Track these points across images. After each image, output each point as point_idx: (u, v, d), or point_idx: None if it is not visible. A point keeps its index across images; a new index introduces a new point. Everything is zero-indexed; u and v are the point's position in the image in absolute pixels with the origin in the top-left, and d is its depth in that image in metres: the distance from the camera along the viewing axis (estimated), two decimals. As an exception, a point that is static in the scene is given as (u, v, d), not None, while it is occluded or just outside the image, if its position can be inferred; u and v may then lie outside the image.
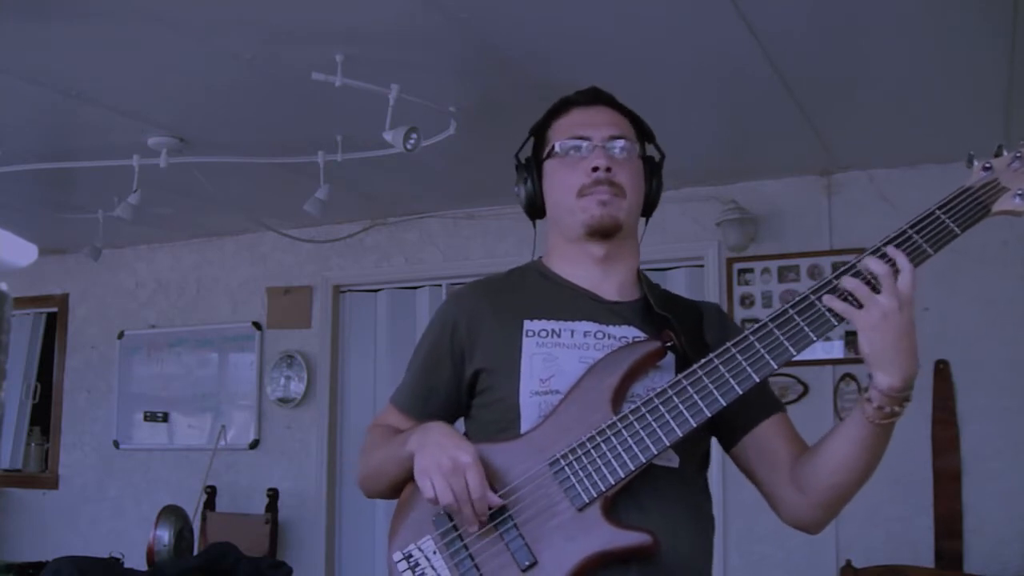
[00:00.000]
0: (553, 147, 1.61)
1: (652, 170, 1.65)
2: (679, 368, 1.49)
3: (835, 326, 1.37)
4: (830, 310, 1.35)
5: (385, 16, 2.60)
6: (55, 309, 5.84)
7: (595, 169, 1.55)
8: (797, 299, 1.39)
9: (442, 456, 1.40)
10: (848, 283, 1.33)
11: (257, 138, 3.61)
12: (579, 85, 1.71)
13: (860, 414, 1.37)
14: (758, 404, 1.51)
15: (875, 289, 1.32)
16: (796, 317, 1.37)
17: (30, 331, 5.99)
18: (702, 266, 4.26)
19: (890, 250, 1.34)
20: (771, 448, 1.53)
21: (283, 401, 5.02)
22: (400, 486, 1.53)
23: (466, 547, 1.42)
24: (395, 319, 4.91)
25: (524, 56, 2.87)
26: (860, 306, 1.33)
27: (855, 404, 1.39)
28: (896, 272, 1.32)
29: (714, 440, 1.60)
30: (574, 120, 1.62)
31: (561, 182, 1.59)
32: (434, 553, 1.44)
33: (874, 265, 1.33)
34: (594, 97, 1.65)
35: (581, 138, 1.59)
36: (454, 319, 1.61)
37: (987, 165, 1.38)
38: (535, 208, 1.66)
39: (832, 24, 2.65)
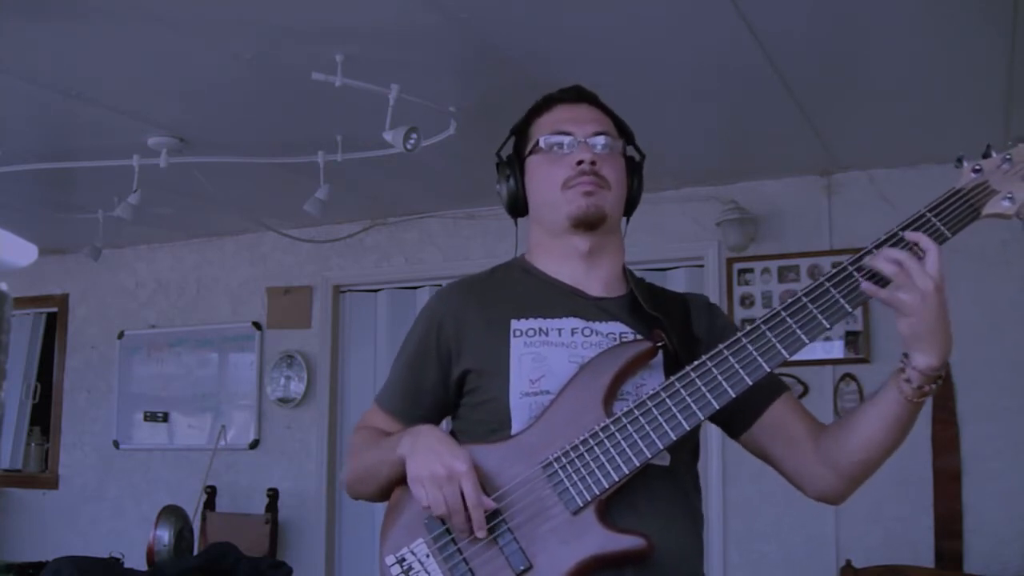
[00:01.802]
0: (537, 143, 1.60)
1: (633, 169, 1.65)
2: (668, 366, 1.50)
3: (828, 328, 1.37)
4: (830, 306, 1.35)
5: (385, 16, 2.60)
6: (55, 309, 5.83)
7: (580, 163, 1.55)
8: (789, 301, 1.39)
9: (436, 463, 1.39)
10: (883, 266, 1.32)
11: (257, 138, 3.61)
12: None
13: (896, 393, 1.37)
14: (764, 388, 1.51)
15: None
16: (788, 320, 1.38)
17: (30, 331, 5.99)
18: (702, 266, 4.26)
19: (908, 234, 1.34)
20: (786, 428, 1.54)
21: (283, 401, 5.02)
22: (390, 489, 1.52)
23: (460, 551, 1.41)
24: (395, 319, 4.90)
25: (524, 56, 2.87)
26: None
27: (889, 383, 1.39)
28: (919, 257, 1.32)
29: (705, 438, 1.60)
30: (557, 116, 1.62)
31: (545, 176, 1.59)
32: (427, 556, 1.43)
33: (895, 252, 1.33)
34: (577, 95, 1.65)
35: (564, 133, 1.58)
36: (440, 319, 1.60)
37: (977, 167, 1.38)
38: (518, 205, 1.66)
39: (832, 24, 2.65)
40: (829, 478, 1.50)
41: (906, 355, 1.36)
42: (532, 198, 1.63)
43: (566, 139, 1.58)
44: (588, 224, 1.56)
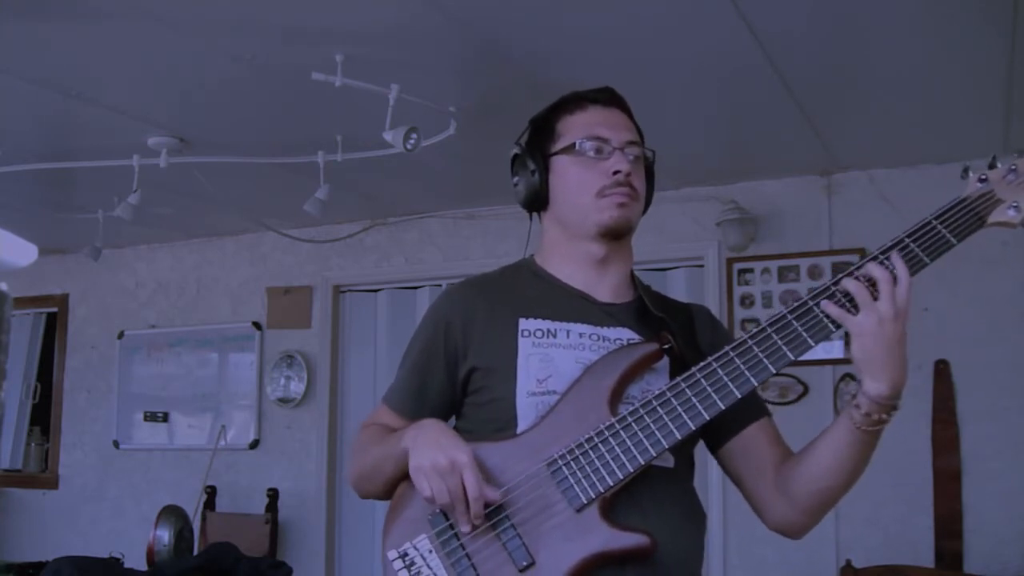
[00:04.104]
0: (574, 144, 1.58)
1: (649, 175, 1.65)
2: (673, 370, 1.50)
3: (834, 331, 1.38)
4: (827, 315, 1.36)
5: (385, 16, 2.60)
6: (55, 309, 5.83)
7: (616, 172, 1.54)
8: (796, 304, 1.40)
9: (438, 455, 1.39)
10: (849, 285, 1.35)
11: (257, 138, 3.61)
12: (579, 85, 1.70)
13: (848, 421, 1.38)
14: (745, 408, 1.51)
15: (873, 296, 1.33)
16: (795, 322, 1.38)
17: (30, 331, 5.99)
18: (702, 266, 4.26)
19: (893, 257, 1.35)
20: (756, 452, 1.54)
21: (283, 401, 5.02)
22: (395, 485, 1.52)
23: (463, 546, 1.42)
24: (395, 319, 4.91)
25: (524, 56, 2.87)
26: (855, 312, 1.34)
27: (843, 411, 1.40)
28: (894, 280, 1.33)
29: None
30: (593, 119, 1.60)
31: (578, 180, 1.57)
32: (430, 552, 1.43)
33: (875, 271, 1.34)
34: (610, 98, 1.64)
35: (601, 139, 1.57)
36: (447, 317, 1.59)
37: (983, 177, 1.40)
38: (538, 200, 1.63)
39: (832, 24, 2.65)
40: (785, 509, 1.50)
41: (859, 382, 1.36)
42: (558, 198, 1.61)
43: (603, 145, 1.57)
44: (615, 234, 1.57)
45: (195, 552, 4.34)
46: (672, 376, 1.48)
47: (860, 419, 1.36)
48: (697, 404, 1.39)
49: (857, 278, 1.36)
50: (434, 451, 1.40)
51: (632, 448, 1.40)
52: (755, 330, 1.40)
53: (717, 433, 1.56)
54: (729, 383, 1.39)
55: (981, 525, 3.65)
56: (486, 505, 1.39)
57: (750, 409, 1.54)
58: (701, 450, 1.62)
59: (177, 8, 2.56)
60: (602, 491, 1.39)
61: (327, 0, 2.50)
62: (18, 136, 3.59)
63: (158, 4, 2.54)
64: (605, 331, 1.54)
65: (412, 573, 1.43)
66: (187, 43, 2.78)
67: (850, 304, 1.35)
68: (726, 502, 3.94)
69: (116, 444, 5.46)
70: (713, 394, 1.39)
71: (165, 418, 5.37)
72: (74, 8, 2.54)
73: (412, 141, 2.95)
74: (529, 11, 2.59)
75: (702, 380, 1.40)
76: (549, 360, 1.51)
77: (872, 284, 1.34)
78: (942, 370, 3.75)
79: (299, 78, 2.83)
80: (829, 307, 1.35)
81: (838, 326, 1.37)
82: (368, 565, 4.78)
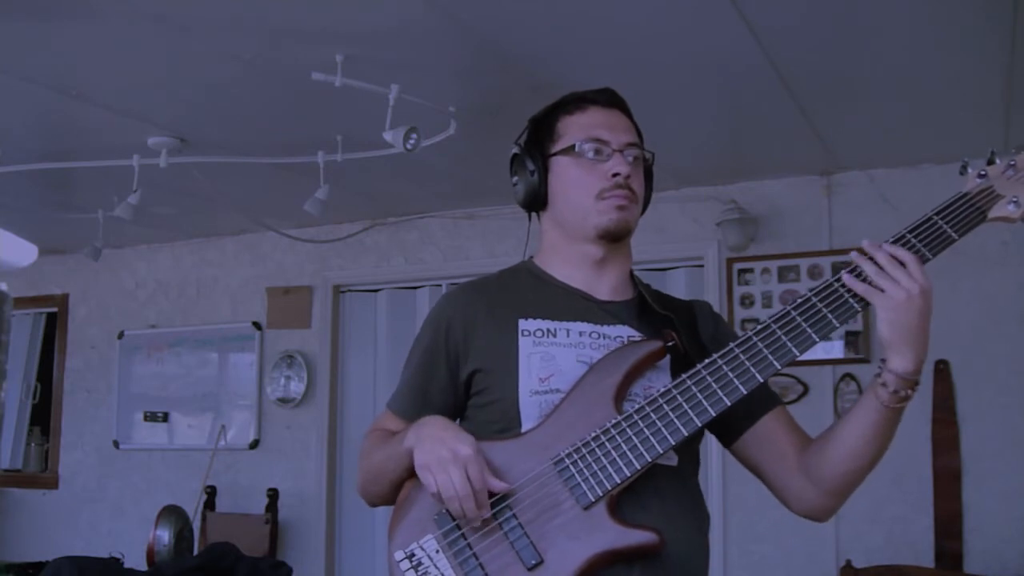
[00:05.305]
0: (573, 146, 1.58)
1: (648, 176, 1.66)
2: (675, 367, 1.50)
3: (837, 327, 1.39)
4: (839, 305, 1.37)
5: (385, 16, 2.60)
6: (55, 309, 5.84)
7: (616, 175, 1.55)
8: (799, 300, 1.40)
9: (442, 449, 1.39)
10: (869, 267, 1.36)
11: (257, 138, 3.61)
12: (579, 85, 1.71)
13: (874, 399, 1.39)
14: (758, 399, 1.52)
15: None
16: (798, 318, 1.39)
17: (30, 331, 5.99)
18: (702, 266, 4.26)
19: (886, 245, 1.37)
20: (776, 441, 1.54)
21: (283, 401, 5.02)
22: (400, 488, 1.52)
23: (470, 546, 1.41)
24: (395, 319, 4.91)
25: (524, 56, 2.87)
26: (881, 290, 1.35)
27: (867, 390, 1.41)
28: (902, 264, 1.35)
29: (707, 437, 1.60)
30: (593, 120, 1.60)
31: (577, 182, 1.57)
32: (437, 552, 1.43)
33: (882, 257, 1.36)
34: (610, 99, 1.64)
35: (601, 141, 1.57)
36: (448, 320, 1.60)
37: (982, 172, 1.41)
38: (537, 200, 1.64)
39: (832, 24, 2.65)
40: (812, 493, 1.51)
41: (883, 360, 1.38)
42: (557, 199, 1.61)
43: (603, 147, 1.57)
44: (614, 237, 1.57)
45: (195, 552, 4.34)
46: (674, 373, 1.48)
47: (888, 397, 1.37)
48: (703, 401, 1.40)
49: (857, 271, 1.37)
50: (437, 446, 1.40)
51: (639, 445, 1.40)
52: (758, 327, 1.41)
53: (731, 427, 1.56)
54: (735, 379, 1.39)
55: (981, 525, 3.65)
56: (496, 502, 1.39)
57: (763, 400, 1.55)
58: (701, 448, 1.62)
59: (177, 8, 2.56)
60: (609, 488, 1.39)
61: (327, 0, 2.50)
62: (18, 136, 3.58)
63: (158, 4, 2.54)
64: (605, 329, 1.55)
65: (419, 574, 1.42)
66: (187, 43, 2.78)
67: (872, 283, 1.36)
68: (727, 499, 3.93)
69: (116, 444, 5.46)
70: (719, 391, 1.39)
71: (165, 418, 5.37)
72: (74, 8, 2.54)
73: (412, 141, 2.95)
74: (529, 11, 2.59)
75: (707, 377, 1.41)
76: (551, 358, 1.51)
77: (882, 269, 1.36)
78: (942, 370, 3.75)
79: (299, 78, 2.83)
80: (855, 284, 1.36)
81: (843, 321, 1.38)
82: (368, 565, 4.78)
